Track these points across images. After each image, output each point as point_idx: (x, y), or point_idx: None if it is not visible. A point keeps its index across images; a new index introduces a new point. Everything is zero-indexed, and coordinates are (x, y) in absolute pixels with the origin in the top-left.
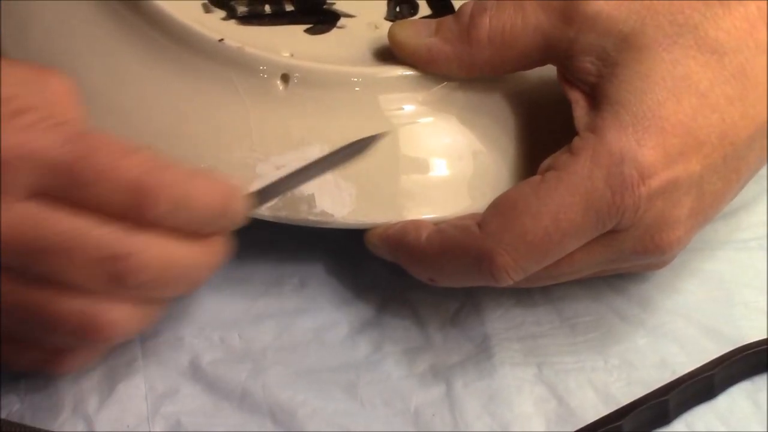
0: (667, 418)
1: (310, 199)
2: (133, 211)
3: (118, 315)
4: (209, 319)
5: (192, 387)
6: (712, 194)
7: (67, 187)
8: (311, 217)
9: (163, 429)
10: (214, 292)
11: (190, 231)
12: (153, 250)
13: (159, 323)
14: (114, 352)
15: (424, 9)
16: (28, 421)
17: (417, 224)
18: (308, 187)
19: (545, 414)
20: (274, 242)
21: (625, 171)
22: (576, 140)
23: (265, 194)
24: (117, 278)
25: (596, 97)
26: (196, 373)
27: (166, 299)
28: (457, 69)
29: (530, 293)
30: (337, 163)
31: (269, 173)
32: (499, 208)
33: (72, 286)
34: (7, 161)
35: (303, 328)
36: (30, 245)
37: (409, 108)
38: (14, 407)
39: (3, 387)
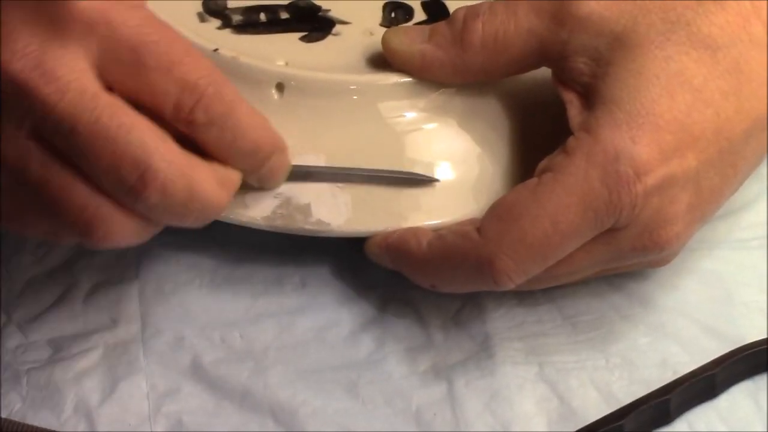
0: (668, 418)
1: (306, 209)
2: (179, 110)
3: (115, 226)
4: (210, 318)
5: (193, 386)
6: (710, 189)
7: (130, 68)
8: (307, 227)
9: (165, 428)
10: (215, 292)
11: (224, 157)
12: (181, 174)
13: (160, 323)
14: (116, 351)
15: (420, 14)
16: (30, 420)
17: (416, 232)
18: (304, 197)
19: (547, 413)
20: (275, 241)
21: (620, 169)
22: (570, 140)
23: (301, 172)
24: (133, 187)
25: (590, 97)
26: (198, 372)
27: (167, 223)
28: (451, 75)
29: (532, 292)
30: (379, 181)
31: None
32: (498, 212)
33: (90, 179)
34: (86, 21)
35: (304, 328)
36: (74, 117)
37: (410, 115)
38: (16, 406)
39: (5, 386)
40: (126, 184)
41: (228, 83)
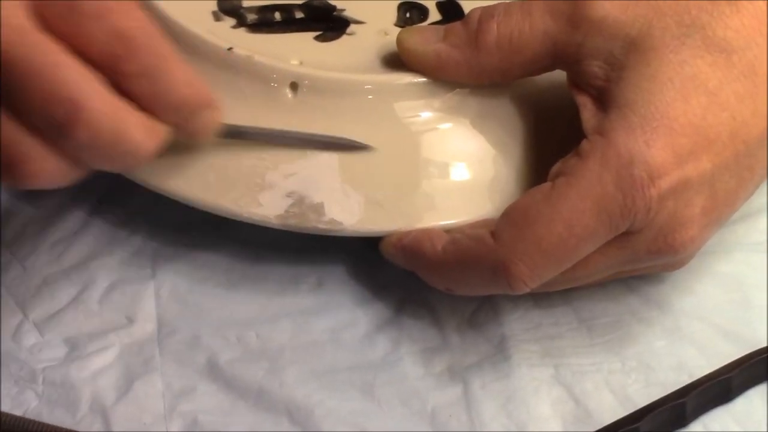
0: (684, 421)
1: (319, 208)
2: (110, 59)
3: (41, 165)
4: (226, 317)
5: (209, 385)
6: (725, 192)
7: (61, 12)
8: (320, 226)
9: (180, 427)
10: (231, 291)
11: (152, 109)
12: (110, 115)
13: (176, 322)
14: (131, 350)
15: (435, 14)
16: (45, 418)
17: (431, 234)
18: (317, 196)
19: (562, 415)
20: (291, 241)
21: (634, 173)
22: (584, 143)
23: (232, 131)
24: (62, 125)
25: (604, 100)
26: (213, 371)
27: (95, 165)
28: (466, 75)
29: (548, 295)
30: (318, 146)
31: (278, 182)
32: (512, 217)
33: (18, 118)
34: None
35: (320, 328)
36: (6, 54)
37: (426, 114)
38: (32, 404)
39: (21, 384)
40: (55, 121)
41: (160, 36)
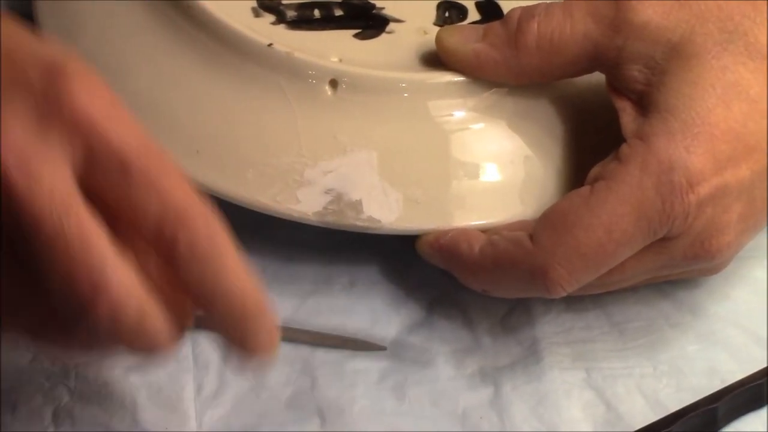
0: (715, 426)
1: (357, 205)
2: (161, 234)
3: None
4: None
5: (240, 385)
6: (763, 199)
7: (115, 178)
8: (358, 223)
9: (211, 428)
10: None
11: (198, 297)
12: (138, 307)
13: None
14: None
15: (473, 14)
16: (77, 413)
17: (468, 235)
18: (356, 193)
19: (593, 419)
20: (323, 241)
21: (674, 179)
22: (624, 147)
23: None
24: (85, 302)
25: (644, 105)
26: (245, 371)
27: (108, 348)
28: (504, 75)
29: (581, 298)
30: (339, 346)
31: (317, 178)
32: (551, 221)
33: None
34: (77, 122)
35: (352, 328)
36: (36, 216)
37: (459, 114)
38: (64, 399)
39: (53, 379)
40: (77, 295)
41: (217, 223)
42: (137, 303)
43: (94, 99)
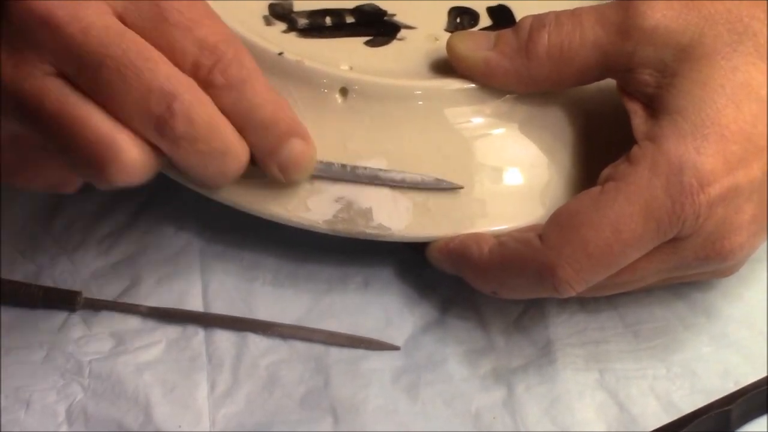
0: (729, 428)
1: (367, 213)
2: (198, 69)
3: (131, 158)
4: (273, 316)
5: (254, 384)
6: None
7: (151, 22)
8: (368, 231)
9: (224, 426)
10: (278, 290)
11: (240, 125)
12: (205, 108)
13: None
14: (178, 347)
15: (485, 19)
16: (91, 410)
17: (477, 238)
18: (365, 201)
19: (606, 420)
20: (338, 241)
21: (684, 180)
22: (635, 149)
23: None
24: (160, 116)
25: (655, 107)
26: (258, 370)
27: (188, 165)
28: (515, 83)
29: (595, 299)
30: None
31: (327, 187)
32: (559, 220)
33: (112, 110)
34: None
35: (366, 327)
36: (100, 52)
37: (477, 120)
38: (78, 396)
39: (67, 376)
40: (154, 114)
41: (247, 52)
42: (205, 105)
43: None
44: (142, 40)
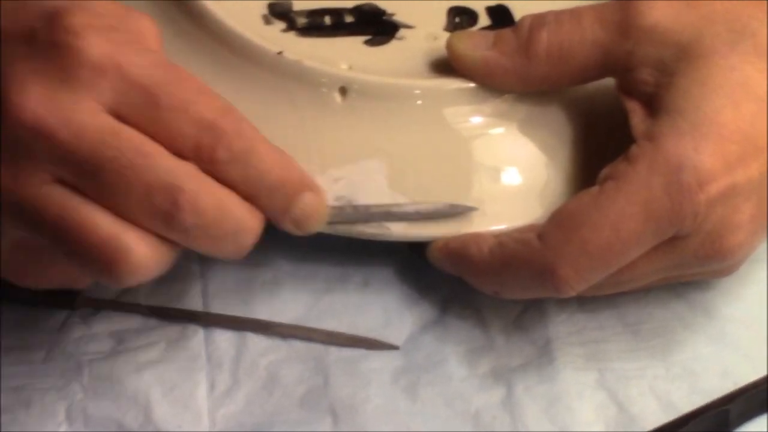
0: (727, 428)
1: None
2: (200, 150)
3: (141, 255)
4: (272, 315)
5: (253, 384)
6: None
7: (144, 110)
8: (368, 230)
9: (224, 426)
10: (277, 289)
11: (250, 195)
12: (211, 194)
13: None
14: (178, 347)
15: (484, 19)
16: (90, 410)
17: (477, 238)
18: (365, 200)
19: (605, 420)
20: (338, 241)
21: (683, 179)
22: (633, 148)
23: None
24: (166, 212)
25: (653, 106)
26: (258, 370)
27: (205, 250)
28: (514, 83)
29: (594, 299)
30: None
31: (326, 186)
32: (559, 220)
33: (116, 210)
34: (96, 66)
35: (365, 327)
36: (96, 155)
37: (476, 120)
38: (77, 396)
39: (66, 376)
40: (160, 211)
41: (246, 120)
42: (213, 193)
43: (106, 41)
44: (139, 135)
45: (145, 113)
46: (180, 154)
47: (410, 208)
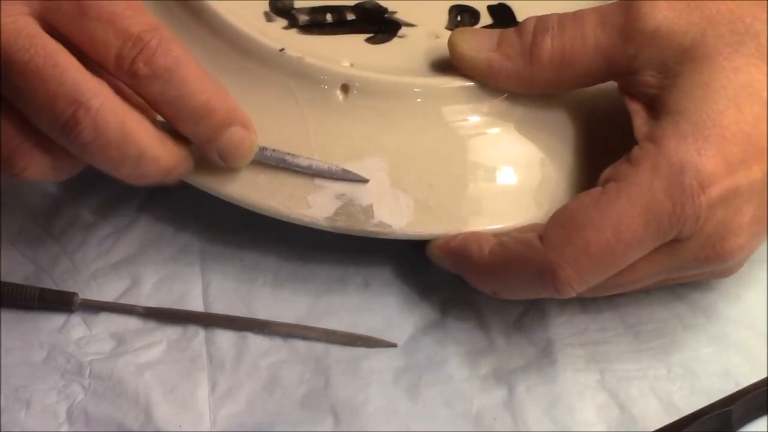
0: (729, 429)
1: (368, 210)
2: (121, 60)
3: (35, 162)
4: (273, 316)
5: (254, 385)
6: None
7: (71, 18)
8: (369, 228)
9: (225, 427)
10: (278, 290)
11: (170, 116)
12: (115, 114)
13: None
14: (178, 347)
15: (485, 18)
16: (91, 410)
17: (478, 237)
18: (366, 198)
19: (607, 421)
20: (338, 241)
21: (685, 181)
22: (635, 150)
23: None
24: (65, 124)
25: (656, 108)
26: (259, 370)
27: (105, 168)
28: (516, 85)
29: (595, 300)
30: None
31: (328, 183)
32: (560, 220)
33: (19, 115)
34: None
35: (366, 328)
36: (8, 56)
37: (474, 119)
38: (78, 397)
39: (67, 376)
40: (59, 121)
41: (175, 40)
42: (116, 111)
43: None
44: (55, 45)
45: (71, 21)
46: (103, 65)
47: (303, 162)
